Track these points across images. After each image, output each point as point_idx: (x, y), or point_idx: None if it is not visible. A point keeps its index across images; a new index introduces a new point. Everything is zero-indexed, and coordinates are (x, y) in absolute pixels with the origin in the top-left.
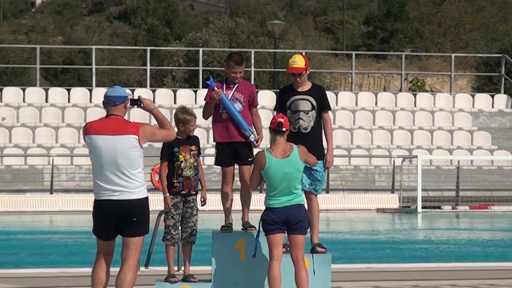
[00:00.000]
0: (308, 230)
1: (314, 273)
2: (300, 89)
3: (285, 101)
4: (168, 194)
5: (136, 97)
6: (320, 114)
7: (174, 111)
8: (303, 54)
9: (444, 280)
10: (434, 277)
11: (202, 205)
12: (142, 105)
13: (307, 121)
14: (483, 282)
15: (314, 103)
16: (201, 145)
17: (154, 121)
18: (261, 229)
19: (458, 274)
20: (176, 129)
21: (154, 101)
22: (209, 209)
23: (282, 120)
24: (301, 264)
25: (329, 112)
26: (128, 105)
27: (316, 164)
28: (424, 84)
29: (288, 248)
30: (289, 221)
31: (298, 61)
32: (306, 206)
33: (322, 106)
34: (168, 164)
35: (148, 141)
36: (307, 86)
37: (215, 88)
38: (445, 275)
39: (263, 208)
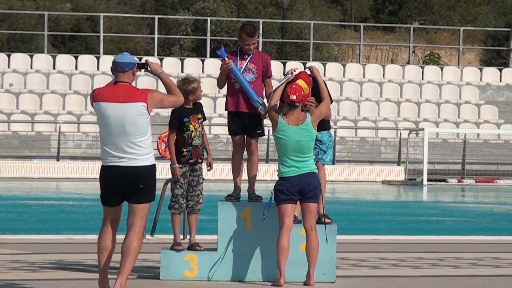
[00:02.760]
0: None
1: (327, 242)
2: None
3: None
4: (177, 165)
5: (143, 61)
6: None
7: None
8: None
9: (449, 252)
10: (438, 250)
11: (208, 170)
12: (149, 69)
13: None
14: (488, 255)
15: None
16: (207, 114)
17: (161, 88)
18: (272, 199)
19: (462, 247)
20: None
21: None
22: (215, 178)
23: (294, 97)
24: (314, 233)
25: (336, 83)
26: (136, 68)
27: (327, 105)
28: (439, 57)
29: (297, 219)
30: (303, 189)
31: (303, 89)
32: None
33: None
34: (176, 134)
35: (156, 108)
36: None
37: (225, 58)
38: (450, 248)
39: (270, 178)
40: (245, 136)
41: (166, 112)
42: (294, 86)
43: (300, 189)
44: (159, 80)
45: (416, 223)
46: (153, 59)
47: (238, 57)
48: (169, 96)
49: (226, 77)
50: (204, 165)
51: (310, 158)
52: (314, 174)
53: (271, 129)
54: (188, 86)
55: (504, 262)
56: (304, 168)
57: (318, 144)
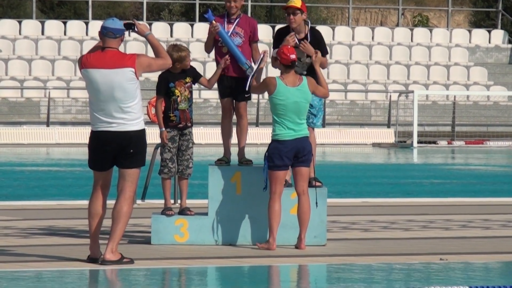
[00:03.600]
0: None
1: (317, 206)
2: (297, 37)
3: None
4: (164, 129)
5: (131, 21)
6: None
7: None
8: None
9: (439, 215)
10: (429, 212)
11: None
12: (136, 29)
13: (300, 67)
14: (478, 217)
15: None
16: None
17: (150, 52)
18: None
19: (452, 209)
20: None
21: None
22: (205, 143)
23: (294, 56)
24: (306, 197)
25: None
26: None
27: (326, 96)
28: (428, 20)
29: (288, 183)
30: (298, 153)
31: (295, 1)
32: None
33: (320, 51)
34: (164, 99)
35: (145, 72)
36: (304, 31)
37: (213, 22)
38: (440, 210)
39: (260, 142)
40: (233, 100)
41: (156, 77)
42: (288, 47)
43: (295, 153)
44: (148, 45)
45: (407, 185)
46: (142, 24)
47: (225, 21)
48: (157, 59)
49: (213, 41)
50: (198, 131)
51: (305, 121)
52: (307, 138)
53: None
54: (176, 53)
55: (494, 223)
56: (300, 132)
57: (309, 108)
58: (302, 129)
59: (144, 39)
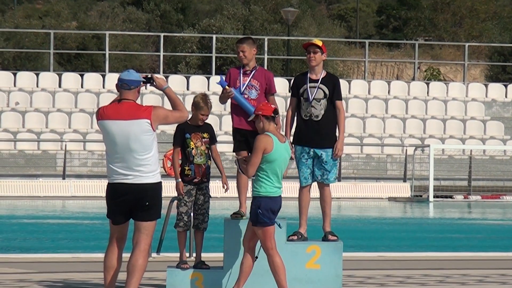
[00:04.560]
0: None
1: (256, 258)
2: (314, 77)
3: (299, 87)
4: (180, 180)
5: (148, 75)
6: (332, 103)
7: (186, 98)
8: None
9: (455, 269)
10: (445, 267)
11: (225, 191)
12: (154, 83)
13: (318, 109)
14: (494, 272)
15: (327, 91)
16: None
17: (167, 104)
18: (259, 219)
19: (469, 263)
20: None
21: None
22: (221, 196)
23: (275, 106)
24: (276, 251)
25: (342, 100)
26: (141, 86)
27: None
28: (440, 73)
29: (304, 236)
30: (278, 210)
31: (316, 40)
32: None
33: (335, 95)
34: (180, 151)
35: (161, 124)
36: (321, 74)
37: (226, 88)
38: (456, 265)
39: None
40: (249, 153)
41: (172, 130)
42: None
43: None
44: (164, 97)
45: (423, 239)
46: (159, 77)
47: (241, 73)
48: (174, 112)
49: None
50: (211, 185)
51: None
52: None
53: None
54: (198, 99)
55: (511, 278)
56: (281, 188)
57: (323, 165)
58: (281, 185)
59: (160, 91)
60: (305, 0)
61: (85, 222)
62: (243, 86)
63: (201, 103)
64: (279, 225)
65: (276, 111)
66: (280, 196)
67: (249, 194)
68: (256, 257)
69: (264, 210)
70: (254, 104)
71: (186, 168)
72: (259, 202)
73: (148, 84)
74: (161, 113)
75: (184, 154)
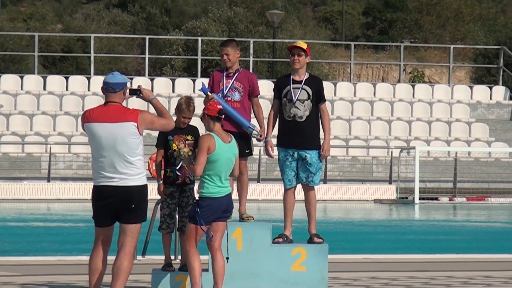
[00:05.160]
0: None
1: (227, 261)
2: (297, 78)
3: (281, 89)
4: (161, 182)
5: (135, 86)
6: (316, 105)
7: (172, 100)
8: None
9: (440, 271)
10: (430, 269)
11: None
12: (141, 95)
13: (302, 110)
14: (479, 274)
15: (310, 93)
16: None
17: (152, 110)
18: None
19: (454, 265)
20: (174, 118)
21: (152, 90)
22: None
23: (221, 106)
24: (220, 251)
25: (327, 102)
26: (128, 94)
27: (236, 173)
28: (424, 75)
29: (289, 239)
30: (226, 209)
31: (301, 43)
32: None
33: (319, 98)
34: (164, 153)
35: (147, 129)
36: (305, 75)
37: (209, 94)
38: (442, 267)
39: (262, 198)
40: None
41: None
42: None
43: (224, 209)
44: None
45: (408, 241)
46: (144, 79)
47: (224, 76)
48: (160, 118)
49: None
50: (195, 187)
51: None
52: (231, 194)
53: (262, 148)
54: (181, 101)
55: (495, 280)
56: (227, 188)
57: (308, 167)
58: (228, 184)
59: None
60: (290, 2)
61: (70, 224)
62: (226, 89)
63: (183, 105)
64: (210, 239)
65: (221, 112)
66: (226, 196)
67: (234, 196)
68: (227, 258)
69: (203, 211)
70: (237, 107)
71: (168, 170)
72: (200, 202)
73: (135, 96)
74: (147, 117)
75: (166, 156)
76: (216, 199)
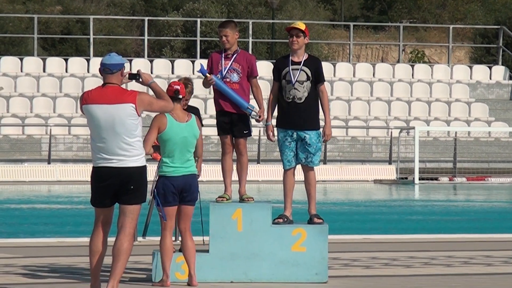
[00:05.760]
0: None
1: (204, 243)
2: (296, 59)
3: (280, 70)
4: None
5: (134, 71)
6: (315, 86)
7: (171, 82)
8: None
9: (441, 251)
10: (430, 248)
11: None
12: (140, 79)
13: (301, 91)
14: (479, 254)
15: (310, 74)
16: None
17: (152, 94)
18: (158, 199)
19: (454, 245)
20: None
21: (151, 72)
22: (207, 180)
23: (178, 87)
24: (188, 234)
25: (327, 83)
26: (127, 79)
27: (200, 151)
28: (424, 55)
29: (289, 219)
30: (183, 190)
31: (299, 23)
32: (303, 177)
33: (318, 78)
34: None
35: (146, 110)
36: (304, 56)
37: (207, 75)
38: (442, 247)
39: (262, 179)
40: (233, 137)
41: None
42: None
43: (181, 190)
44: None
45: (408, 222)
46: (143, 61)
47: (222, 57)
48: (159, 100)
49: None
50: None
51: (192, 157)
52: (195, 176)
53: (262, 129)
54: (181, 81)
55: (496, 260)
56: (187, 169)
57: (307, 147)
58: (189, 165)
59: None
60: None
61: (71, 206)
62: (224, 70)
63: (183, 82)
64: (164, 218)
65: (177, 92)
66: (182, 176)
67: (234, 177)
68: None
69: (158, 190)
70: (236, 88)
71: None
72: (156, 182)
73: (134, 80)
74: (145, 99)
75: None
76: (169, 178)
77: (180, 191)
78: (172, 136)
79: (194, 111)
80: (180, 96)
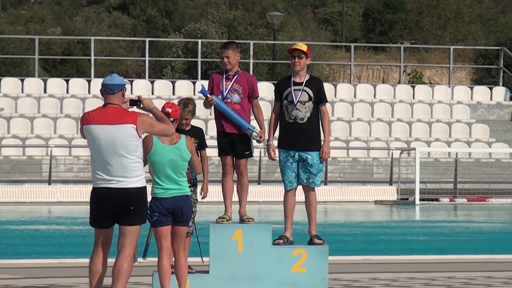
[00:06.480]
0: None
1: (203, 261)
2: (298, 80)
3: (282, 91)
4: None
5: (135, 92)
6: (317, 106)
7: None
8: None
9: (441, 272)
10: (431, 269)
11: (202, 198)
12: (141, 105)
13: (303, 112)
14: (480, 275)
15: (312, 94)
16: None
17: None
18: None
19: (455, 266)
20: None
21: (152, 93)
22: (207, 201)
23: (169, 110)
24: (181, 253)
25: (327, 104)
26: (128, 105)
27: (198, 170)
28: (422, 76)
29: (289, 240)
30: (174, 212)
31: (301, 45)
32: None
33: (319, 98)
34: None
35: (146, 132)
36: (305, 77)
37: (208, 96)
38: (442, 267)
39: (262, 200)
40: (233, 158)
41: None
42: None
43: (172, 211)
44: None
45: (409, 242)
46: (144, 82)
47: (223, 78)
48: (160, 123)
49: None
50: (198, 189)
51: (183, 179)
52: (188, 197)
53: (263, 150)
54: (183, 102)
55: (496, 281)
56: (178, 191)
57: (309, 168)
58: (180, 188)
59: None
60: (290, 4)
61: (71, 227)
62: (225, 91)
63: (180, 105)
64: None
65: (167, 115)
66: (172, 197)
67: (235, 198)
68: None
69: (149, 210)
70: (237, 108)
71: None
72: (149, 203)
73: (135, 106)
74: (146, 120)
75: None
76: (159, 199)
77: (171, 212)
78: (157, 158)
79: (198, 131)
80: (172, 119)
